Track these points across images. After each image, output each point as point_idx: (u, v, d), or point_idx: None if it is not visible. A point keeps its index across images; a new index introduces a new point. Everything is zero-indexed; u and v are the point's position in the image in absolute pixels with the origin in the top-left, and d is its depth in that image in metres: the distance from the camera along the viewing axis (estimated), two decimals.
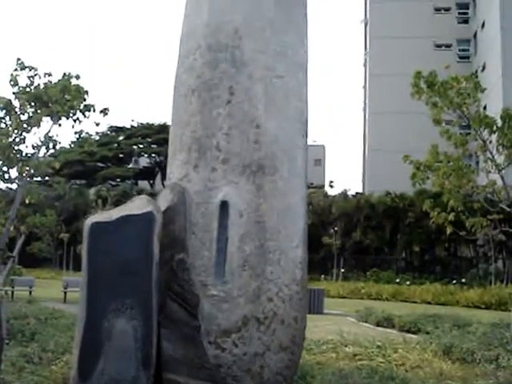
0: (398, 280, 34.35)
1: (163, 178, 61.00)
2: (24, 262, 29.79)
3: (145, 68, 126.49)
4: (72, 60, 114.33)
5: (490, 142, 12.17)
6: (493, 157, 12.13)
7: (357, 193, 45.79)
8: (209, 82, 5.51)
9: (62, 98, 11.38)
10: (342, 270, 37.25)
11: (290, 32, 5.68)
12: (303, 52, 5.74)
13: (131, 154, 52.85)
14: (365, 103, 56.83)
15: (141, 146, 59.51)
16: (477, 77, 47.06)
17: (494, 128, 11.95)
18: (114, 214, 5.18)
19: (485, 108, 44.32)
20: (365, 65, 57.77)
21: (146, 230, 5.08)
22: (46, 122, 11.74)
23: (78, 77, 11.81)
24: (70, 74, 11.86)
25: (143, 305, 5.09)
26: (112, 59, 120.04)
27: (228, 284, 5.38)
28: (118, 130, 65.52)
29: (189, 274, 5.41)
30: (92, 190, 52.09)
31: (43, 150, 12.08)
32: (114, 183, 61.02)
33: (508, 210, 12.00)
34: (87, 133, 13.13)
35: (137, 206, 5.25)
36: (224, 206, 5.39)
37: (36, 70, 11.75)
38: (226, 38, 5.53)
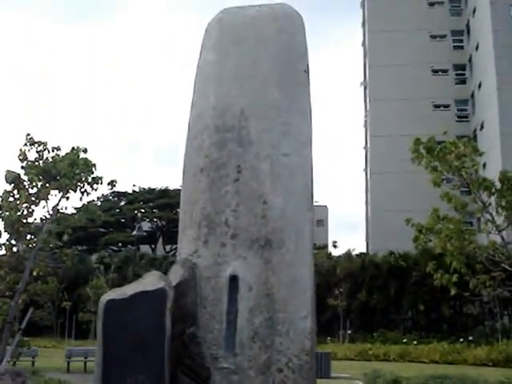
0: (405, 340, 34.11)
1: (164, 242, 61.07)
2: (25, 330, 29.52)
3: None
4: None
5: (490, 204, 12.44)
6: (493, 218, 12.38)
7: (361, 253, 45.84)
8: (217, 162, 5.78)
9: (71, 171, 11.66)
10: (349, 332, 37.00)
11: (293, 112, 5.97)
12: (307, 130, 6.03)
13: (133, 219, 53.19)
14: (366, 164, 57.40)
15: (143, 210, 59.80)
16: (475, 136, 48.00)
17: (493, 190, 12.24)
18: (127, 290, 5.37)
19: (484, 166, 45.00)
20: (365, 126, 58.58)
21: (159, 306, 5.25)
22: (54, 195, 11.99)
23: (85, 150, 12.13)
24: (78, 147, 12.19)
25: (156, 380, 5.21)
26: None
27: (238, 356, 5.50)
28: (120, 195, 65.95)
29: (200, 348, 5.56)
30: (94, 257, 52.05)
31: (50, 222, 12.28)
32: (116, 248, 61.08)
33: (510, 269, 12.18)
34: (92, 201, 13.45)
35: (150, 282, 5.44)
36: (233, 280, 5.57)
37: (45, 144, 12.06)
38: (233, 120, 5.83)
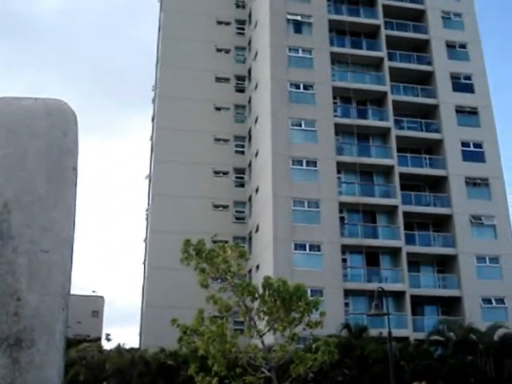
0: None
1: None
2: None
3: None
4: None
5: (252, 308, 12.90)
6: (254, 323, 12.82)
7: (132, 348, 45.09)
8: None
9: None
10: None
11: (58, 209, 5.94)
12: (70, 228, 6.00)
13: None
14: (145, 257, 57.33)
15: None
16: (251, 238, 49.99)
17: (256, 295, 12.74)
18: None
19: (258, 267, 46.98)
20: (147, 219, 58.83)
21: None
22: None
23: None
24: None
25: None
26: None
27: None
28: None
29: None
30: None
31: None
32: None
33: (268, 374, 12.59)
34: None
35: None
36: None
37: None
38: None
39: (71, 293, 6.08)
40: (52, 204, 5.88)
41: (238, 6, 63.28)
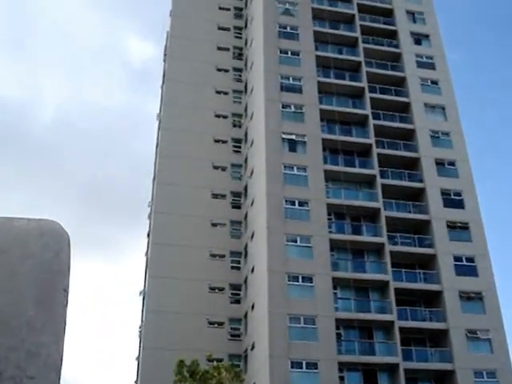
0: None
1: None
2: None
3: None
4: None
5: None
6: None
7: None
8: None
9: None
10: None
11: (46, 332, 5.85)
12: (58, 353, 5.88)
13: None
14: (137, 376, 55.91)
15: None
16: (246, 356, 48.84)
17: None
18: None
19: None
20: (140, 336, 57.74)
21: None
22: None
23: None
24: None
25: None
26: None
27: None
28: None
29: None
30: None
31: None
32: None
33: None
34: None
35: None
36: None
37: None
38: None
39: None
40: (40, 327, 5.77)
41: (234, 125, 64.88)
